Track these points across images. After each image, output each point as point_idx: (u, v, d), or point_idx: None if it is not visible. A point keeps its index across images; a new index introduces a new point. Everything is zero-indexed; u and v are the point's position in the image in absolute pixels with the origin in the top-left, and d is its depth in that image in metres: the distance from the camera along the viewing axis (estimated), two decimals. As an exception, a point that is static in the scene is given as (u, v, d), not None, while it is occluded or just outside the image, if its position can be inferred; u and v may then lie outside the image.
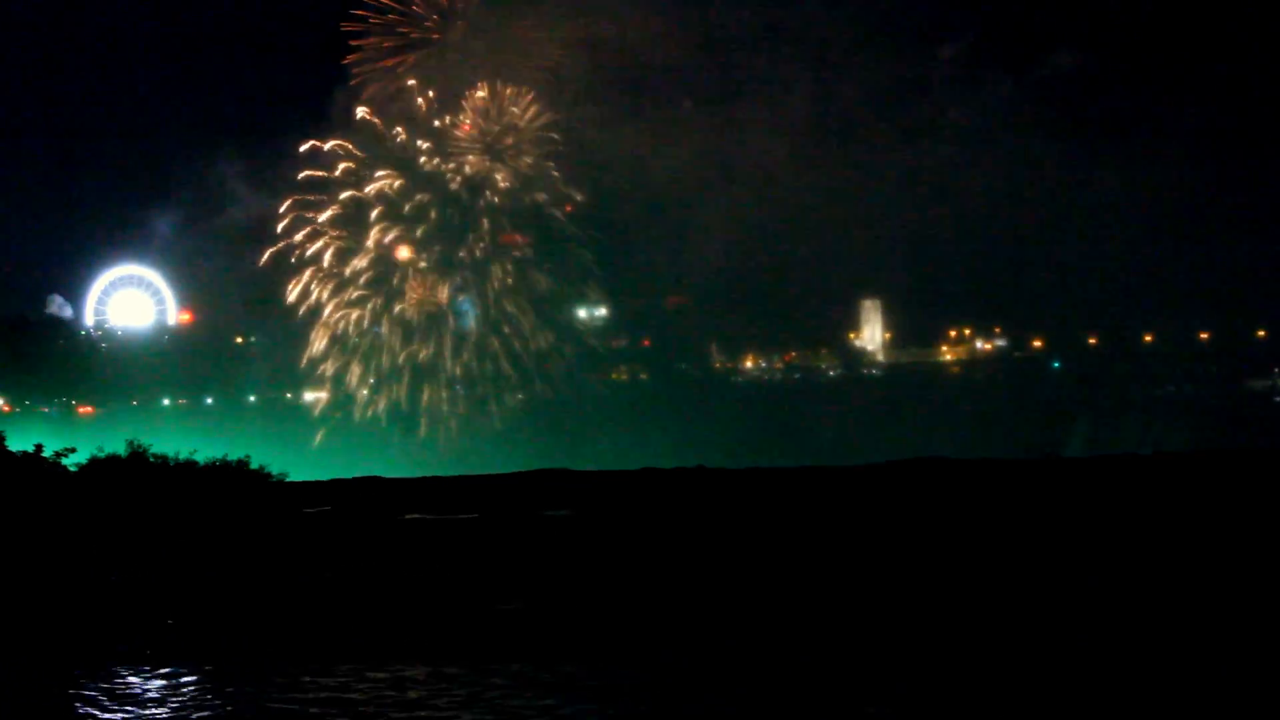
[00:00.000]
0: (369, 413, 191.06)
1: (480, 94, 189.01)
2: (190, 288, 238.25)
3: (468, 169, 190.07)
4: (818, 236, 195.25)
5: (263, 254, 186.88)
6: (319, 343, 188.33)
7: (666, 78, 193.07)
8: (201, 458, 56.31)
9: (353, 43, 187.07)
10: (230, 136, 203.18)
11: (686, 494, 59.96)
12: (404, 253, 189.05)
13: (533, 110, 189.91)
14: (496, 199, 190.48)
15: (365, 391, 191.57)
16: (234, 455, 57.18)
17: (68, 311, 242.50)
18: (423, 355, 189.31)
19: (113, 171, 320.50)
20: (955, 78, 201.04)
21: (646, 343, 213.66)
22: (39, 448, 52.84)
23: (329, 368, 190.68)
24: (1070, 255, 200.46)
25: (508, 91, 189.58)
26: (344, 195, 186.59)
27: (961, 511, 49.47)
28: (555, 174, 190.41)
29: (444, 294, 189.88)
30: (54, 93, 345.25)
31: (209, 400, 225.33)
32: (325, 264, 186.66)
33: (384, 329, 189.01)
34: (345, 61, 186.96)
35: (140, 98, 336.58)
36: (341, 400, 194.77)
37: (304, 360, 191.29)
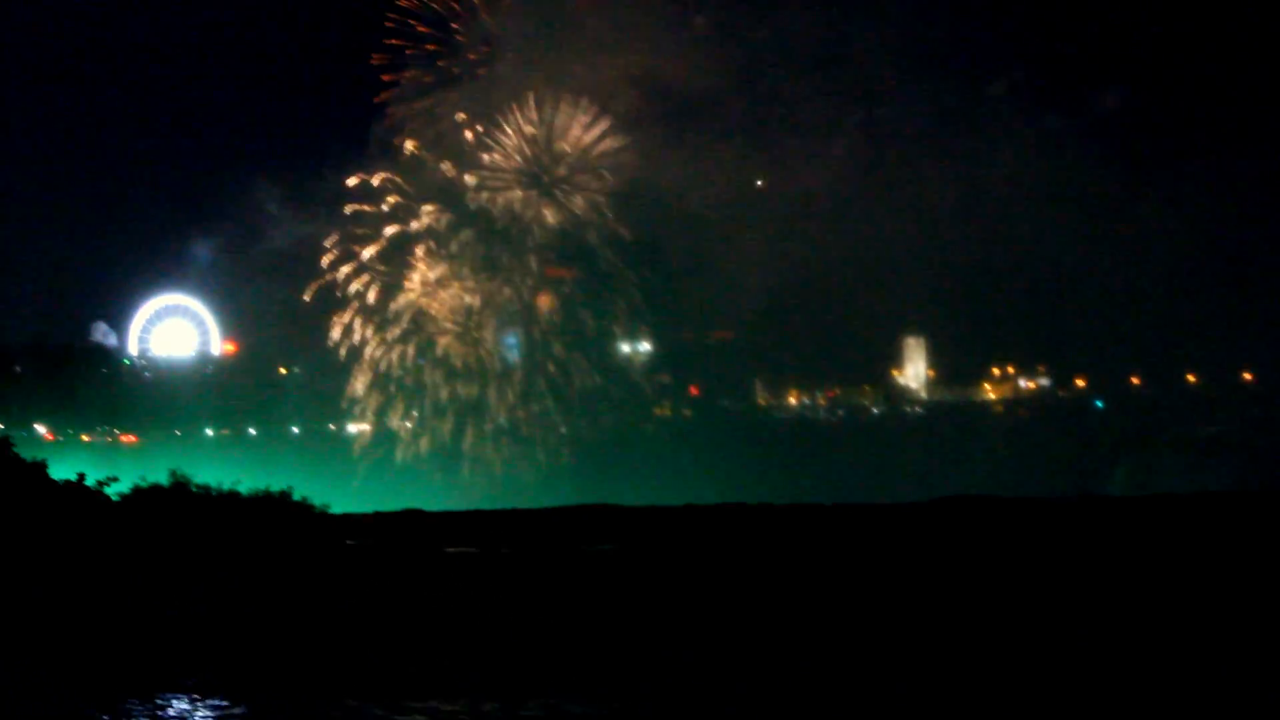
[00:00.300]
0: (412, 448, 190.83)
1: (528, 127, 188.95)
2: (234, 318, 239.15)
3: (516, 205, 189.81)
4: (862, 272, 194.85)
5: (307, 287, 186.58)
6: (362, 377, 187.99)
7: (714, 111, 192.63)
8: (244, 489, 56.30)
9: (386, 77, 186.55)
10: (274, 167, 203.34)
11: (728, 530, 59.77)
12: (448, 288, 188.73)
13: (587, 137, 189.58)
14: (542, 233, 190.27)
15: (409, 426, 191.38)
16: (276, 487, 57.17)
17: (112, 340, 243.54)
18: (466, 391, 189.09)
19: (159, 201, 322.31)
20: (1004, 113, 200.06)
21: (694, 390, 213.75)
22: (81, 476, 52.82)
23: (372, 402, 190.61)
24: (1116, 294, 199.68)
25: (555, 124, 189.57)
26: (388, 230, 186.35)
27: (1003, 550, 49.18)
28: (604, 208, 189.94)
29: (489, 330, 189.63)
30: (101, 122, 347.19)
31: (252, 431, 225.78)
32: (369, 299, 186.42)
33: (427, 364, 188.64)
34: (378, 100, 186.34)
35: (185, 127, 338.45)
36: (384, 434, 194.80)
37: (347, 393, 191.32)
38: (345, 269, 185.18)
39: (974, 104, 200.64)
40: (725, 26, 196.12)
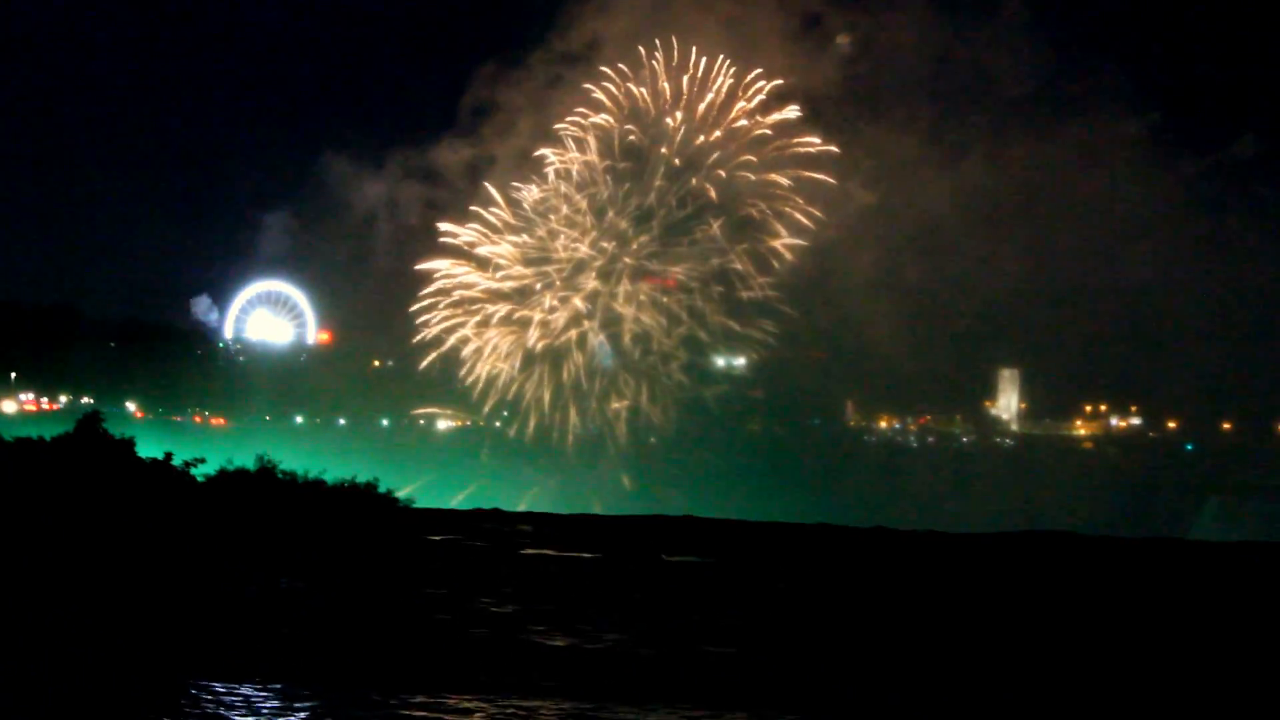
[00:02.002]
0: (502, 447, 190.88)
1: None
2: (331, 309, 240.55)
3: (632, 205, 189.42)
4: (967, 302, 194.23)
5: (410, 285, 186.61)
6: (457, 373, 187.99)
7: (840, 137, 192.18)
8: (330, 478, 56.29)
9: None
10: (390, 159, 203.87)
11: (809, 549, 59.36)
12: (550, 291, 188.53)
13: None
14: (653, 237, 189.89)
15: (499, 424, 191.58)
16: (363, 477, 57.12)
17: (213, 316, 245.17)
18: (562, 394, 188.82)
19: (266, 187, 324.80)
20: (1130, 156, 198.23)
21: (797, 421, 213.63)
22: (168, 456, 52.88)
23: (464, 400, 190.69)
24: (1214, 339, 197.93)
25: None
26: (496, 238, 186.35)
27: (1086, 586, 48.61)
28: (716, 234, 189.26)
29: (588, 333, 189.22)
30: (213, 110, 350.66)
31: (341, 421, 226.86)
32: (470, 297, 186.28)
33: (523, 364, 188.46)
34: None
35: (297, 118, 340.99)
36: (475, 431, 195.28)
37: (441, 389, 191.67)
38: (448, 265, 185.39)
39: (1099, 144, 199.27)
40: (863, 44, 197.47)
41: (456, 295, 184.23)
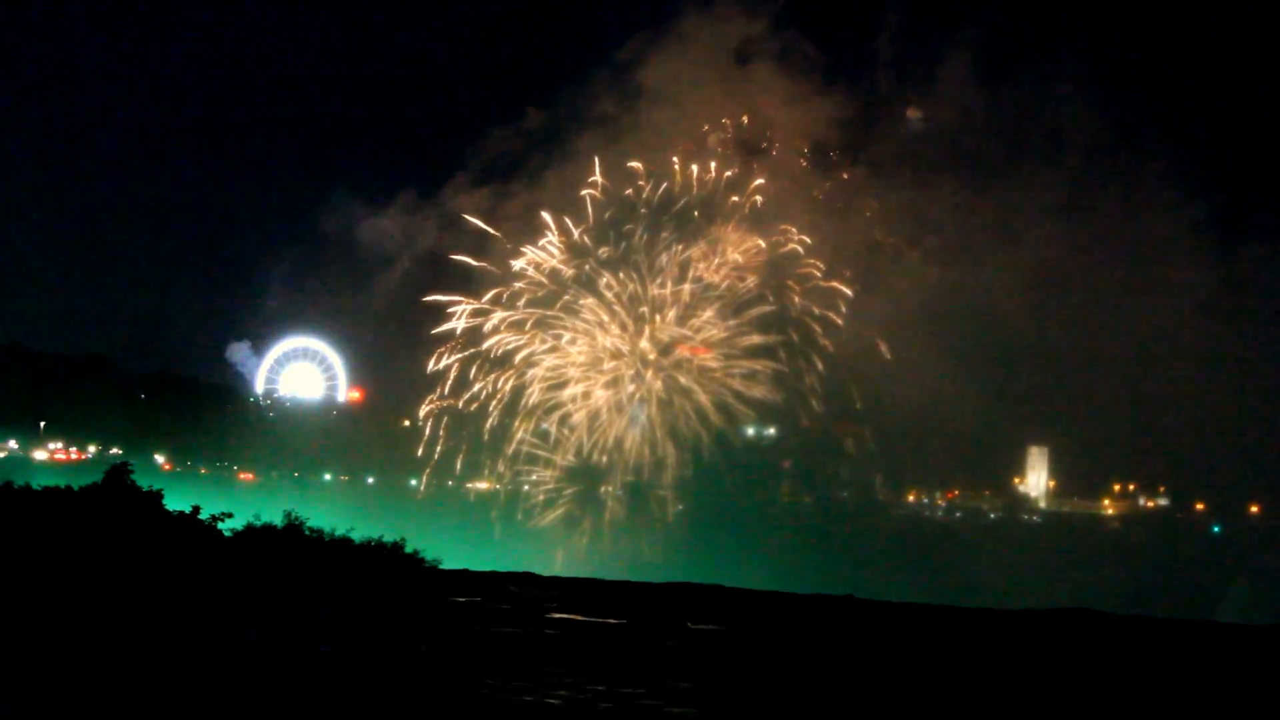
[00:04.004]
0: (533, 511, 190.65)
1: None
2: (363, 367, 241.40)
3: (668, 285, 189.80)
4: (994, 378, 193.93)
5: (440, 349, 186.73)
6: (486, 436, 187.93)
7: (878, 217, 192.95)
8: (357, 536, 56.12)
9: None
10: (426, 220, 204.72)
11: (831, 622, 59.05)
12: (580, 356, 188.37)
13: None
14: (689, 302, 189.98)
15: (527, 489, 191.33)
16: (390, 537, 56.94)
17: (251, 362, 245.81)
18: (590, 458, 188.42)
19: (298, 246, 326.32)
20: (1171, 240, 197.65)
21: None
22: (196, 509, 52.78)
23: (492, 462, 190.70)
24: (1242, 422, 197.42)
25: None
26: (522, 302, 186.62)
27: (1111, 667, 48.23)
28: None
29: (619, 399, 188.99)
30: (251, 172, 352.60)
31: (370, 480, 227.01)
32: (499, 361, 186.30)
33: (553, 429, 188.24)
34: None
35: (322, 171, 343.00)
36: (506, 494, 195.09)
37: (470, 451, 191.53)
38: (484, 328, 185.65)
39: (1157, 227, 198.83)
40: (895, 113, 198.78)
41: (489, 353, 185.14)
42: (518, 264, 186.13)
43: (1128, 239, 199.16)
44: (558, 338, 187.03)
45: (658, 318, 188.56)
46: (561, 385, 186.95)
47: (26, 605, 41.51)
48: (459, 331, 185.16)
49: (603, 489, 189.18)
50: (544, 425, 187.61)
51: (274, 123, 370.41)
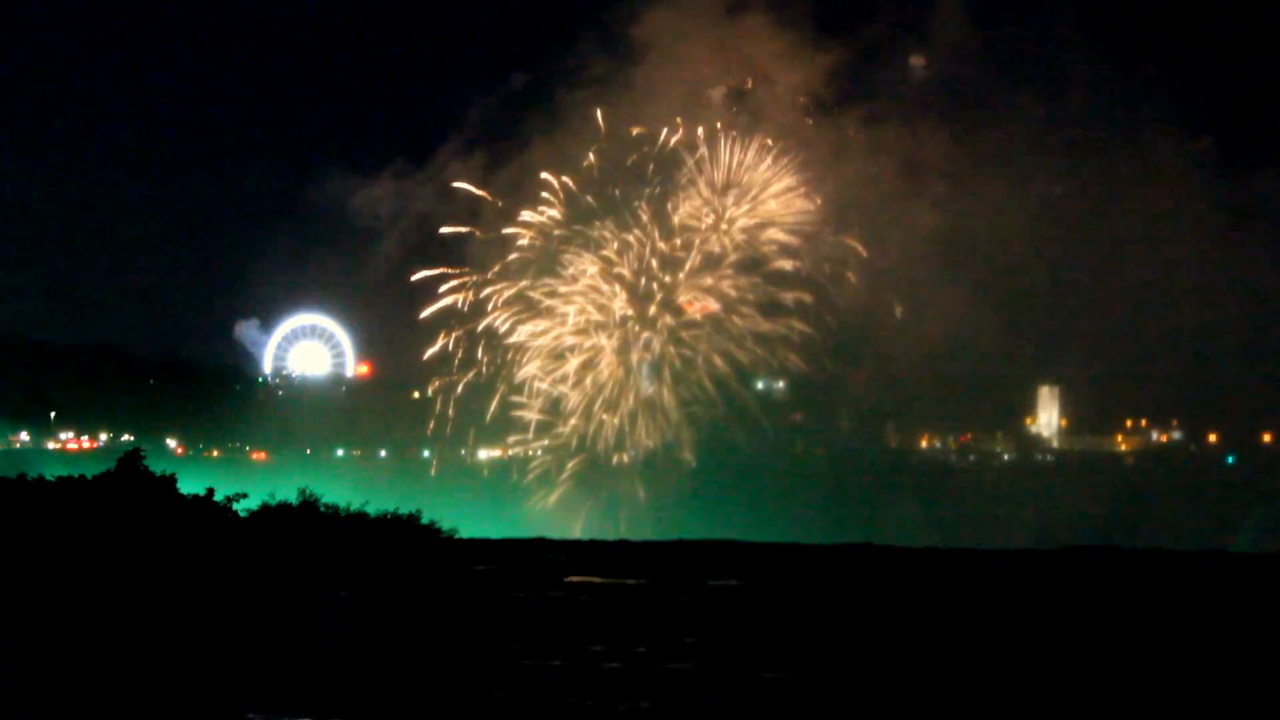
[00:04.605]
0: (545, 475, 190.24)
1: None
2: (370, 341, 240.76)
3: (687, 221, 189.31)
4: (1003, 319, 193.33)
5: (446, 317, 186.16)
6: (496, 404, 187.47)
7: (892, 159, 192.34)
8: (373, 510, 56.07)
9: None
10: (424, 188, 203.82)
11: (850, 570, 58.95)
12: (585, 317, 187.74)
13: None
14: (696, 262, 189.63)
15: (540, 452, 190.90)
16: (405, 509, 56.88)
17: (261, 340, 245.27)
18: (600, 420, 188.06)
19: (303, 222, 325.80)
20: (1182, 172, 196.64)
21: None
22: (210, 492, 52.75)
23: (507, 428, 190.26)
24: (1256, 353, 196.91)
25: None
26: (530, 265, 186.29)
27: (1131, 600, 48.25)
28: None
29: (629, 358, 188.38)
30: (251, 145, 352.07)
31: (382, 453, 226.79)
32: (508, 328, 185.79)
33: (564, 391, 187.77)
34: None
35: (328, 149, 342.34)
36: (517, 461, 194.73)
37: (484, 419, 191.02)
38: (490, 294, 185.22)
39: (1162, 162, 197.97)
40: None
41: (497, 319, 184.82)
42: (517, 228, 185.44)
43: (1133, 173, 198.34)
44: (565, 301, 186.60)
45: (665, 276, 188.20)
46: (569, 350, 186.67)
47: (51, 599, 41.55)
48: (462, 304, 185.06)
49: (615, 456, 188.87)
50: (554, 391, 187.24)
51: (268, 97, 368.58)
